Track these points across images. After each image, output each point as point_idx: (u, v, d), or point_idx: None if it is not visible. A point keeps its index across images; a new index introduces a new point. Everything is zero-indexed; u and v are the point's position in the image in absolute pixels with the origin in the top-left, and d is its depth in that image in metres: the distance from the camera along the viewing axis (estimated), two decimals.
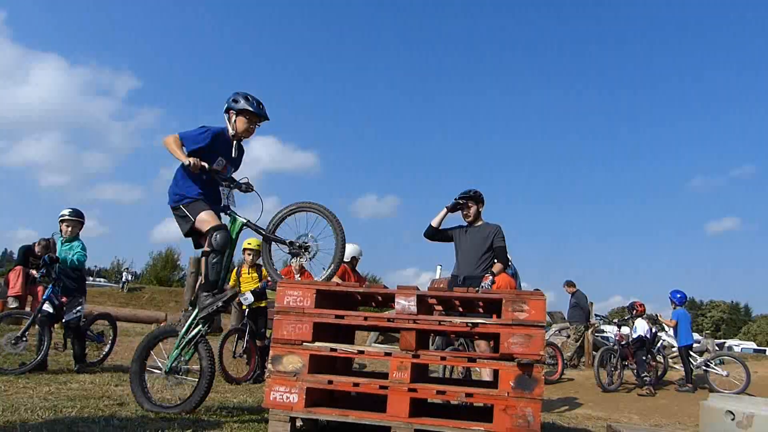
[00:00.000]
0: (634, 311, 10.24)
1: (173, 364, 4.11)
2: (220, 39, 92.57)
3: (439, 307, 4.11)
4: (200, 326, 4.07)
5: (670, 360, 11.04)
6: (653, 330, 10.22)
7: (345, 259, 7.79)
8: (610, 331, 13.36)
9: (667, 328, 10.75)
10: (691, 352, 10.01)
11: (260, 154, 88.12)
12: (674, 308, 10.12)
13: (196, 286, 13.83)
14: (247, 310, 7.25)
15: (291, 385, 3.34)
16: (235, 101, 4.20)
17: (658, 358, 10.23)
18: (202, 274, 4.02)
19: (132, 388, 4.10)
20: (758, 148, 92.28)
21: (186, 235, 4.16)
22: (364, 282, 8.36)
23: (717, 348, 17.11)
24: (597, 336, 13.36)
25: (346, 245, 8.09)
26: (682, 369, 9.99)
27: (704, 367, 9.98)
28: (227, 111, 4.23)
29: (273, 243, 4.16)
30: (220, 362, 6.39)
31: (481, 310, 4.06)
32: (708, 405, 4.40)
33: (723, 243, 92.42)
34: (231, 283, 7.23)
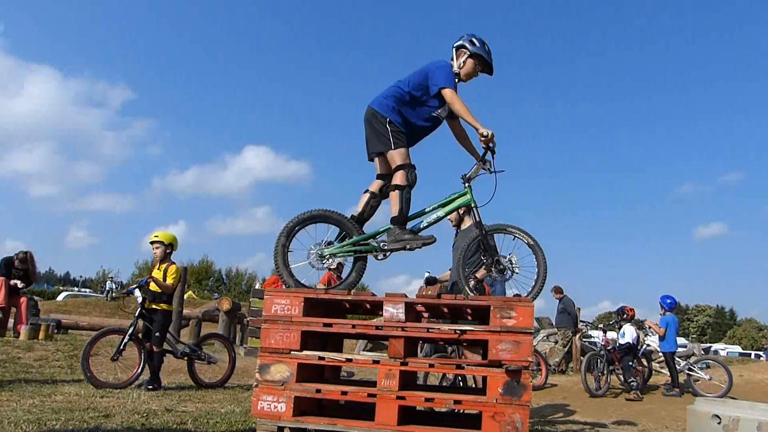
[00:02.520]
0: (624, 315, 10.30)
1: (329, 253, 3.93)
2: (213, 51, 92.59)
3: (427, 314, 4.12)
4: (374, 250, 3.91)
5: (656, 365, 11.11)
6: (639, 335, 10.28)
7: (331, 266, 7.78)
8: (597, 336, 13.43)
9: (652, 334, 10.83)
10: (676, 357, 10.09)
11: (254, 163, 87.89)
12: (663, 314, 10.20)
13: (184, 296, 13.75)
14: (139, 309, 6.53)
15: (279, 394, 3.32)
16: (473, 43, 4.09)
17: (644, 363, 10.29)
18: (395, 208, 3.85)
19: None
20: (746, 156, 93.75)
21: (373, 155, 4.04)
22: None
23: (703, 352, 17.25)
24: (585, 341, 13.42)
25: None
26: (668, 373, 10.07)
27: (687, 371, 10.06)
28: (459, 48, 4.12)
29: (482, 244, 4.00)
30: (84, 363, 5.93)
31: (469, 317, 4.07)
32: (694, 409, 4.44)
33: (710, 248, 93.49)
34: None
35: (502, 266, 3.90)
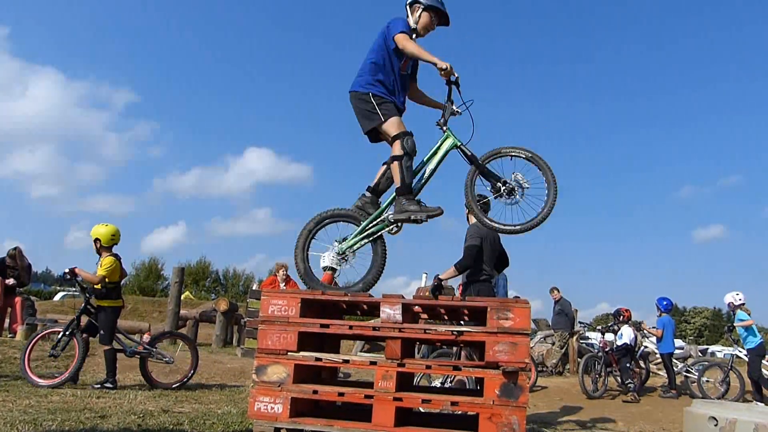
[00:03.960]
0: (621, 317, 10.31)
1: (347, 247, 3.94)
2: (217, 54, 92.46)
3: (425, 316, 4.11)
4: (385, 226, 3.89)
5: (654, 366, 11.12)
6: (637, 337, 10.30)
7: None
8: (595, 337, 13.44)
9: (650, 336, 10.85)
10: (673, 359, 10.10)
11: (255, 166, 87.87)
12: (660, 315, 10.21)
13: (180, 296, 13.74)
14: (83, 305, 6.51)
15: (275, 396, 3.31)
16: None
17: (641, 365, 10.31)
18: (397, 179, 3.83)
19: None
20: (745, 159, 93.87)
21: (366, 132, 4.03)
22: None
23: (700, 354, 17.26)
24: (582, 343, 13.42)
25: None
26: (665, 375, 10.08)
27: (685, 373, 10.07)
28: (413, 3, 4.11)
29: (481, 176, 3.91)
30: (23, 362, 5.96)
31: (466, 318, 4.07)
32: (691, 411, 4.45)
33: (709, 250, 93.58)
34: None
35: (510, 186, 3.80)
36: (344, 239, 3.95)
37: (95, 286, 6.43)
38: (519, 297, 7.24)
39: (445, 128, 3.99)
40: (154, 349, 6.83)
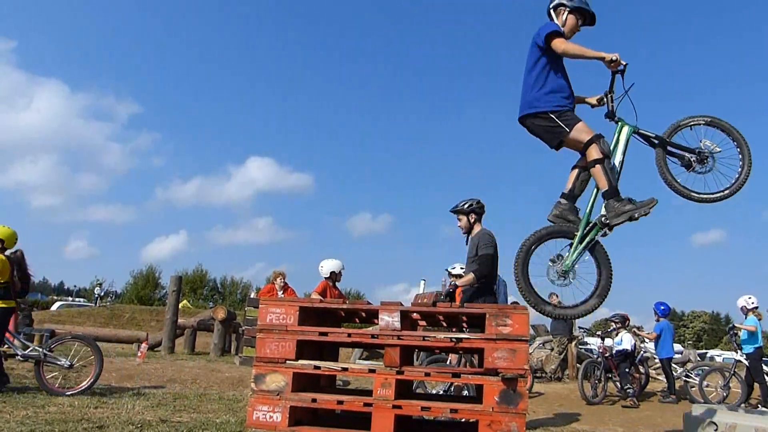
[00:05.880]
0: (625, 322, 10.30)
1: (570, 263, 3.84)
2: (220, 64, 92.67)
3: (423, 323, 4.11)
4: (599, 231, 3.86)
5: (653, 371, 11.10)
6: (636, 342, 10.29)
7: (325, 275, 7.75)
8: (594, 343, 13.43)
9: (648, 341, 10.84)
10: (672, 363, 10.09)
11: (257, 175, 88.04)
12: (657, 320, 10.21)
13: (178, 305, 13.69)
14: None
15: (274, 404, 3.30)
16: None
17: (640, 370, 10.29)
18: (603, 182, 3.75)
19: None
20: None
21: (556, 147, 3.94)
22: (344, 299, 8.25)
23: (699, 358, 17.26)
24: (580, 348, 13.41)
25: (327, 261, 8.01)
26: (665, 380, 10.06)
27: (684, 378, 10.06)
28: (557, 7, 4.05)
29: (668, 154, 3.86)
30: None
31: (465, 324, 4.07)
32: (691, 416, 4.44)
33: (708, 255, 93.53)
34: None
35: (704, 154, 3.78)
36: (558, 256, 3.86)
37: None
38: (518, 303, 7.23)
39: (615, 118, 3.98)
40: (50, 354, 6.48)
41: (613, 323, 10.51)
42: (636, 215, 3.73)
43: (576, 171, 4.01)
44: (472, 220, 5.76)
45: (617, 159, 3.91)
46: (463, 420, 4.01)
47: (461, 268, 7.47)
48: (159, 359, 10.20)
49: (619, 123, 3.98)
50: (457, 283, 5.49)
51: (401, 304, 3.44)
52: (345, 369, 3.52)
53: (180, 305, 15.74)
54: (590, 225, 3.87)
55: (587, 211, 3.91)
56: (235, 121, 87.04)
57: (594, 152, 3.78)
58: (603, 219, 3.83)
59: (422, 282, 13.67)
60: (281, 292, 10.36)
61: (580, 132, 3.82)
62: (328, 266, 7.72)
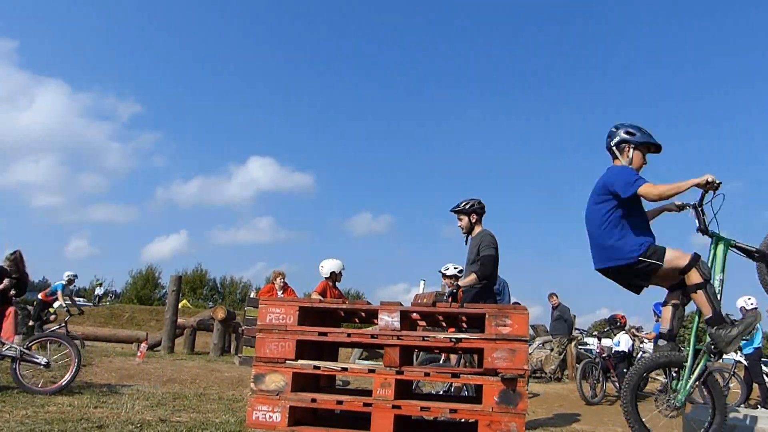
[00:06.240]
0: (617, 324, 10.31)
1: (684, 396, 3.81)
2: (220, 64, 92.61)
3: (423, 323, 4.11)
4: (707, 358, 3.77)
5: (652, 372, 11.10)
6: (634, 343, 10.30)
7: (325, 275, 7.75)
8: (593, 343, 13.45)
9: (648, 341, 10.84)
10: None
11: (258, 175, 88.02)
12: (657, 321, 10.22)
13: (178, 305, 13.70)
14: None
15: (274, 404, 3.31)
16: (632, 134, 3.94)
17: None
18: (707, 309, 3.63)
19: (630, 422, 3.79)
20: (746, 166, 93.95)
21: (645, 286, 3.89)
22: (344, 299, 8.25)
23: None
24: (580, 348, 13.42)
25: (328, 261, 8.00)
26: (664, 380, 10.07)
27: None
28: (620, 144, 3.94)
29: None
30: None
31: (464, 325, 4.07)
32: (690, 417, 4.43)
33: (708, 255, 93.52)
34: None
35: None
36: (668, 388, 3.83)
37: None
38: (518, 303, 7.21)
39: (709, 232, 3.83)
40: (27, 352, 6.42)
41: (608, 325, 10.55)
42: (745, 338, 3.71)
43: (670, 309, 3.89)
44: (474, 221, 5.74)
45: (717, 279, 3.75)
46: (463, 420, 4.02)
47: (455, 269, 7.51)
48: (159, 359, 10.20)
49: (714, 238, 3.84)
50: (459, 283, 5.49)
51: (401, 304, 3.44)
52: (345, 369, 3.53)
53: (180, 305, 15.75)
54: (698, 353, 3.77)
55: (692, 339, 3.81)
56: (236, 121, 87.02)
57: (695, 276, 3.63)
58: (712, 347, 3.71)
59: (422, 282, 13.67)
60: (281, 292, 10.37)
61: (676, 259, 3.67)
62: (328, 266, 7.73)
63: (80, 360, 6.50)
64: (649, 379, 10.86)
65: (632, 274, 3.81)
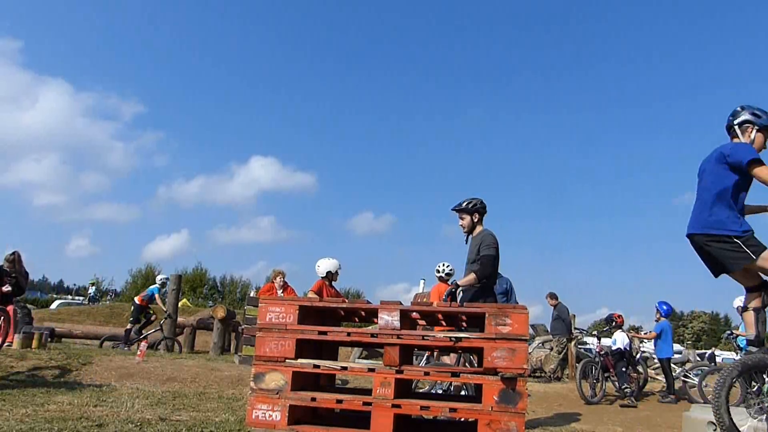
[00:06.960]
0: (614, 323, 10.32)
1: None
2: (223, 64, 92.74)
3: (423, 322, 4.11)
4: None
5: (652, 371, 11.10)
6: (631, 341, 10.30)
7: (321, 274, 7.76)
8: (592, 342, 13.46)
9: (648, 341, 10.85)
10: (671, 364, 10.10)
11: (260, 174, 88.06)
12: (658, 319, 10.21)
13: (178, 304, 13.70)
14: None
15: (273, 403, 3.30)
16: (757, 116, 3.90)
17: (639, 369, 10.30)
18: (750, 330, 3.66)
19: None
20: None
21: (723, 272, 3.79)
22: (341, 298, 8.25)
23: (698, 358, 17.25)
24: (580, 348, 13.42)
25: (324, 260, 8.01)
26: (664, 380, 10.07)
27: (684, 378, 10.06)
28: (743, 124, 3.91)
29: None
30: None
31: (464, 324, 4.07)
32: (690, 416, 4.44)
33: None
34: None
35: None
36: (761, 390, 3.75)
37: None
38: (518, 302, 7.20)
39: None
40: None
41: (606, 324, 10.55)
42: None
43: (752, 314, 3.83)
44: (475, 220, 5.74)
45: None
46: (462, 419, 4.02)
47: (447, 266, 7.56)
48: (158, 358, 10.20)
49: None
50: (458, 282, 5.49)
51: (401, 304, 3.44)
52: (344, 368, 3.53)
53: (180, 304, 15.74)
54: None
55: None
56: (238, 121, 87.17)
57: (755, 299, 3.64)
58: None
59: (422, 281, 13.69)
60: (281, 291, 10.37)
61: (765, 261, 3.60)
62: (324, 266, 7.75)
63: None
64: (650, 379, 10.87)
65: (722, 253, 3.72)
